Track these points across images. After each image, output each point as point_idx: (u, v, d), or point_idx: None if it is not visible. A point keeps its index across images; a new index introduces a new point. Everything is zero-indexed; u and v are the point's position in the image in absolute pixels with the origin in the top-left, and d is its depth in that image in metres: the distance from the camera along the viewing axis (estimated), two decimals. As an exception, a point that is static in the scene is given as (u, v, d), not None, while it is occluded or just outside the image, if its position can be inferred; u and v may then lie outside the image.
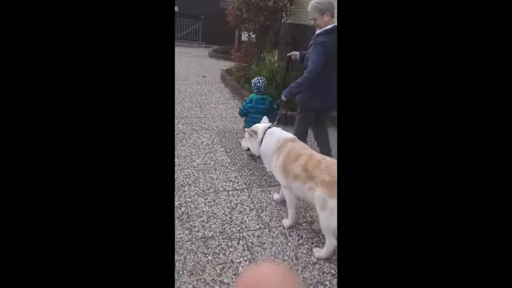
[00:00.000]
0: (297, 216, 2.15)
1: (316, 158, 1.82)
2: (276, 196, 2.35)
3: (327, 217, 1.67)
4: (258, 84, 2.79)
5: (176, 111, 4.21)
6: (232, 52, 6.63)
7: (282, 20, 6.23)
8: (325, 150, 2.65)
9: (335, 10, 2.34)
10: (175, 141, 3.27)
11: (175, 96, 4.88)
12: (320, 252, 1.83)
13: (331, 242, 1.75)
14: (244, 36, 7.21)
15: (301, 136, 2.56)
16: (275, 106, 2.72)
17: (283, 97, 2.50)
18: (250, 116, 2.78)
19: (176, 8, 12.20)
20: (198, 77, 6.46)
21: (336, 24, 2.33)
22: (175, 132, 3.48)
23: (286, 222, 2.07)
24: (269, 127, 2.19)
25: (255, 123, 2.39)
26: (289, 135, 2.13)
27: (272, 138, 2.10)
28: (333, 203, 1.61)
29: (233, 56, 6.63)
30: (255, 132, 2.19)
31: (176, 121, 3.83)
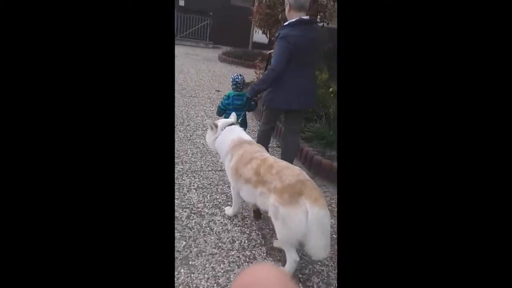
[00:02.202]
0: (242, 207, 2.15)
1: (269, 162, 1.72)
2: (228, 209, 2.19)
3: (280, 227, 1.55)
4: (237, 80, 2.65)
5: (185, 155, 2.97)
6: (258, 63, 5.32)
7: (322, 24, 4.97)
8: (287, 156, 2.44)
9: (302, 3, 2.13)
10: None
11: (185, 125, 3.65)
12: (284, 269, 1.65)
13: (290, 257, 1.60)
14: (266, 37, 5.96)
15: (263, 135, 2.53)
16: (253, 103, 2.63)
17: (248, 95, 2.43)
18: (227, 113, 2.60)
19: (182, 2, 10.89)
20: (211, 92, 5.23)
21: (303, 17, 2.14)
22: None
23: (228, 210, 2.14)
24: (230, 124, 2.10)
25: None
26: (247, 136, 2.05)
27: (229, 136, 2.02)
28: (284, 211, 1.51)
29: (256, 66, 5.33)
30: (215, 126, 2.07)
31: (184, 172, 2.62)
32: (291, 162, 2.18)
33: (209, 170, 2.76)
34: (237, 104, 2.61)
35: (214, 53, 9.47)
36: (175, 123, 3.68)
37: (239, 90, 2.68)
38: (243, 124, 2.54)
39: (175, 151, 3.01)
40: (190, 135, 3.43)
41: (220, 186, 2.53)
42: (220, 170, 2.77)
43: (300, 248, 1.62)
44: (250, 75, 5.27)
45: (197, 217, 2.12)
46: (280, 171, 1.62)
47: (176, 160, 2.83)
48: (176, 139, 3.27)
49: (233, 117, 2.23)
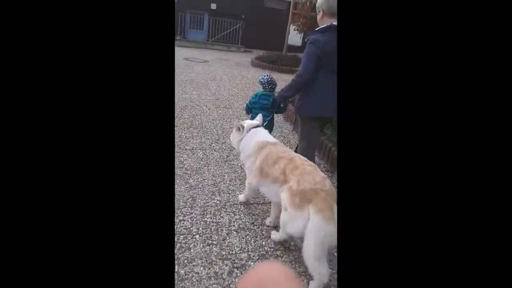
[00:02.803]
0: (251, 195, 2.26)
1: (295, 163, 1.75)
2: (241, 196, 2.29)
3: (285, 217, 1.69)
4: (262, 81, 2.65)
5: (222, 183, 2.55)
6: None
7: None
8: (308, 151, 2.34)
9: (334, 9, 2.05)
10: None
11: (220, 142, 3.25)
12: (275, 235, 1.94)
13: (280, 234, 1.86)
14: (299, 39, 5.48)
15: (307, 152, 2.28)
16: (282, 105, 2.61)
17: (278, 102, 2.48)
18: (254, 112, 2.59)
19: (214, 6, 10.65)
20: (246, 101, 4.80)
21: (334, 23, 2.06)
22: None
23: (241, 197, 2.25)
24: (256, 126, 2.09)
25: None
26: (271, 138, 2.04)
27: (253, 138, 2.02)
28: (290, 211, 1.63)
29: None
30: (242, 127, 2.06)
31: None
32: (313, 158, 2.30)
33: (252, 203, 2.32)
34: (263, 104, 2.57)
35: (246, 58, 9.10)
36: (210, 140, 3.29)
37: (266, 90, 2.63)
38: (269, 126, 2.51)
39: (211, 176, 2.60)
40: (227, 156, 3.01)
41: (265, 227, 2.08)
42: (264, 203, 2.32)
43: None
44: (285, 81, 4.79)
45: (241, 272, 1.68)
46: (302, 174, 1.66)
47: (212, 189, 2.42)
48: (211, 160, 2.86)
49: (259, 118, 2.20)
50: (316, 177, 1.65)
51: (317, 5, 2.17)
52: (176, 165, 2.71)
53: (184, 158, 2.85)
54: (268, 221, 2.09)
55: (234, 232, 1.98)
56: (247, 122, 2.11)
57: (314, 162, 2.24)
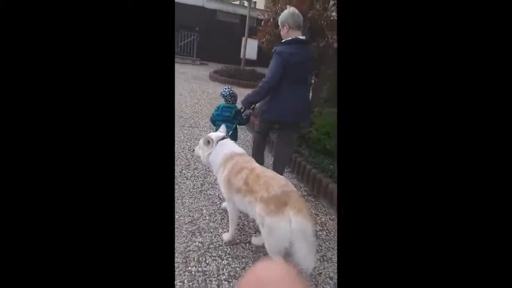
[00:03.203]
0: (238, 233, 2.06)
1: (256, 172, 1.78)
2: (224, 204, 2.24)
3: (266, 236, 1.62)
4: (223, 93, 2.76)
5: (201, 220, 2.25)
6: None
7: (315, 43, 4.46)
8: (278, 166, 2.52)
9: (299, 23, 2.27)
10: None
11: (192, 168, 2.93)
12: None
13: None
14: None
15: (259, 147, 2.59)
16: (244, 116, 2.65)
17: (241, 105, 2.52)
18: (217, 124, 2.63)
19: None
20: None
21: (299, 36, 2.26)
22: None
23: (226, 236, 2.04)
24: (222, 138, 2.11)
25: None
26: (239, 149, 2.08)
27: (222, 149, 2.04)
28: (269, 220, 1.57)
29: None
30: (211, 140, 2.06)
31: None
32: (281, 173, 2.33)
33: (239, 243, 2.05)
34: (225, 116, 2.65)
35: (203, 71, 8.81)
36: (180, 167, 2.95)
37: (228, 102, 2.72)
38: (233, 137, 2.54)
39: (187, 211, 2.28)
40: (201, 184, 2.70)
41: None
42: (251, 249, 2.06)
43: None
44: (244, 94, 4.62)
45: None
46: (267, 181, 1.68)
47: (190, 228, 2.10)
48: (185, 192, 2.53)
49: (222, 130, 2.24)
50: (281, 180, 1.72)
51: (280, 20, 2.32)
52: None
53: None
54: (225, 235, 2.04)
55: (225, 283, 1.70)
56: (214, 135, 2.12)
57: (263, 158, 2.66)
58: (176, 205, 2.33)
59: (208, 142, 2.05)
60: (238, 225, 2.09)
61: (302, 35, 2.32)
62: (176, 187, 2.58)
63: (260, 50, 11.34)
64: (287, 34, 2.28)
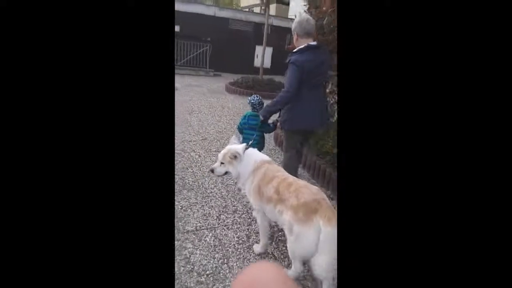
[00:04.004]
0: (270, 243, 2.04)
1: (288, 181, 1.74)
2: (256, 248, 2.00)
3: (292, 242, 1.59)
4: (252, 101, 2.69)
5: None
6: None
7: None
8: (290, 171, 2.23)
9: (308, 30, 2.25)
10: None
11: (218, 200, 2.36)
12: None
13: (295, 267, 1.64)
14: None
15: (291, 163, 2.47)
16: (270, 124, 2.62)
17: (261, 117, 2.44)
18: (245, 132, 2.62)
19: (177, 28, 9.78)
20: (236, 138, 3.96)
21: (310, 43, 2.25)
22: None
23: (257, 248, 1.97)
24: (246, 148, 2.01)
25: (248, 139, 2.43)
26: (266, 157, 2.02)
27: (249, 159, 1.96)
28: (298, 229, 1.54)
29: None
30: (238, 154, 1.95)
31: None
32: (296, 174, 2.33)
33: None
34: (252, 124, 2.60)
35: (218, 83, 8.30)
36: (216, 210, 2.37)
37: (255, 110, 2.67)
38: (259, 145, 2.52)
39: (231, 275, 1.69)
40: (248, 235, 2.12)
41: None
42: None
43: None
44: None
45: None
46: (298, 189, 1.63)
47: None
48: (228, 249, 1.95)
49: (236, 140, 2.20)
50: (312, 188, 1.66)
51: (292, 29, 2.31)
52: (176, 262, 1.77)
53: (189, 249, 1.90)
54: (256, 247, 1.98)
55: None
56: (239, 147, 1.99)
57: (297, 174, 2.44)
58: (218, 271, 1.75)
59: (235, 156, 1.93)
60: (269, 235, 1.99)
61: (313, 41, 2.29)
62: (214, 240, 2.01)
63: (273, 58, 11.01)
64: (298, 42, 2.28)
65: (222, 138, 3.99)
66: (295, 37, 2.29)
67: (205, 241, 2.01)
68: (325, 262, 1.45)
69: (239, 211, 2.39)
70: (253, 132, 2.49)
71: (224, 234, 2.10)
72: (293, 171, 2.32)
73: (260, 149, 2.43)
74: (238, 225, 2.21)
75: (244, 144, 2.06)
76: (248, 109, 2.76)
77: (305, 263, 1.64)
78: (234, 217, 2.31)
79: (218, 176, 2.08)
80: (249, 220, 2.28)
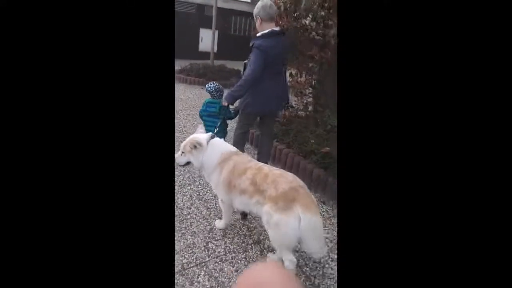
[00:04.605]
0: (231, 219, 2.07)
1: (264, 171, 1.73)
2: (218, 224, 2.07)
3: (273, 233, 1.61)
4: (209, 89, 2.76)
5: None
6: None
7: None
8: (263, 157, 2.61)
9: (272, 14, 2.30)
10: None
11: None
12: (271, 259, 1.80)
13: (287, 259, 1.61)
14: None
15: (239, 138, 2.57)
16: (232, 110, 2.64)
17: (224, 101, 2.45)
18: (205, 119, 2.70)
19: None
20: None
21: (274, 28, 2.32)
22: None
23: (219, 223, 2.05)
24: (211, 138, 1.98)
25: (210, 126, 2.51)
26: (232, 147, 2.01)
27: (214, 150, 1.91)
28: (277, 217, 1.56)
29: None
30: (200, 144, 1.89)
31: None
32: (266, 162, 2.30)
33: None
34: (210, 111, 2.63)
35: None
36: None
37: (215, 97, 2.70)
38: (222, 133, 2.50)
39: None
40: (225, 250, 1.78)
41: None
42: None
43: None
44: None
45: None
46: (275, 179, 1.65)
47: None
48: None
49: (201, 129, 2.16)
50: (288, 176, 1.68)
51: (254, 13, 2.33)
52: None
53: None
54: (218, 223, 2.04)
55: None
56: (202, 137, 1.94)
57: (244, 150, 2.55)
58: None
59: (195, 146, 1.88)
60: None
61: (276, 26, 2.35)
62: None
63: (219, 41, 10.36)
64: (261, 27, 2.31)
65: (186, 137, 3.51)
66: (258, 21, 2.32)
67: (198, 282, 1.62)
68: (313, 246, 1.54)
69: (229, 235, 2.02)
70: (213, 119, 2.51)
71: (219, 269, 1.73)
72: (240, 147, 2.46)
73: (223, 136, 2.44)
74: (233, 254, 1.86)
75: (209, 134, 2.00)
76: (207, 97, 2.80)
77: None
78: (225, 243, 1.94)
79: (180, 166, 2.04)
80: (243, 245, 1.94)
